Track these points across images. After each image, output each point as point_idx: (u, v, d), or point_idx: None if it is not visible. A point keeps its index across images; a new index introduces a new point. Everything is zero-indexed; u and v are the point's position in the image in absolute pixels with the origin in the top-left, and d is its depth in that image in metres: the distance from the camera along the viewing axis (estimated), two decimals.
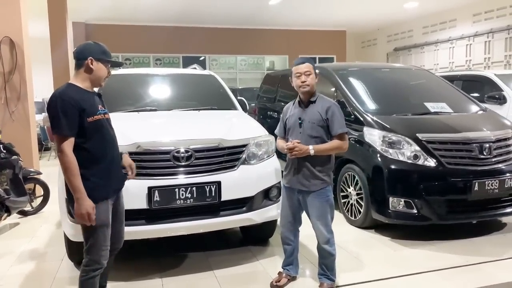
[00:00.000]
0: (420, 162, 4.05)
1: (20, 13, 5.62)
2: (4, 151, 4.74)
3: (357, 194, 4.49)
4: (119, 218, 2.68)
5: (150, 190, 3.14)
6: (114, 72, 4.94)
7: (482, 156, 4.10)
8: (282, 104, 3.32)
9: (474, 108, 5.14)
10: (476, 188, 3.96)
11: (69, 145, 2.32)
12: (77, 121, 2.34)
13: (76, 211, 2.33)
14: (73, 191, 2.32)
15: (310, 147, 2.94)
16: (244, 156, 3.52)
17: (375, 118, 4.48)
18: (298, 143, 2.95)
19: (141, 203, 3.15)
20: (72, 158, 2.31)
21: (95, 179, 2.40)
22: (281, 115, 3.30)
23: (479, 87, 7.19)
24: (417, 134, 4.16)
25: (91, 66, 2.45)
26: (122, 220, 2.73)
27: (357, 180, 4.47)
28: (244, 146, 3.55)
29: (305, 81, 3.03)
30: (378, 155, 4.22)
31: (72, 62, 2.67)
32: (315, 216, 3.03)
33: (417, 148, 4.09)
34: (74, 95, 2.37)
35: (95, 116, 2.43)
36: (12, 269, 3.66)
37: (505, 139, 4.34)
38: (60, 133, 2.31)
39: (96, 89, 2.66)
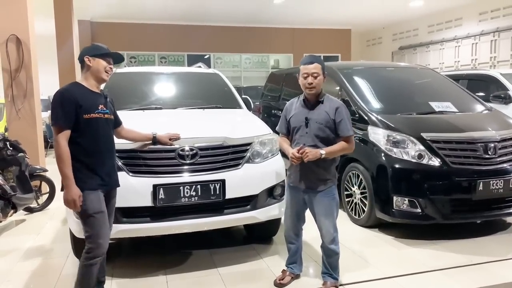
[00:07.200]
0: (424, 161, 4.04)
1: (26, 11, 5.65)
2: (11, 148, 4.77)
3: (361, 193, 4.48)
4: (109, 210, 2.77)
5: (155, 188, 3.16)
6: (119, 70, 4.98)
7: (487, 156, 4.09)
8: (287, 103, 3.28)
9: (479, 107, 5.12)
10: (480, 188, 3.95)
11: (63, 136, 2.50)
12: (73, 115, 2.51)
13: (64, 197, 2.53)
14: (63, 178, 2.52)
15: (321, 150, 2.89)
16: (248, 154, 3.53)
17: (379, 117, 4.48)
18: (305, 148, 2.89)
19: (146, 201, 3.17)
20: (65, 148, 2.50)
21: (83, 171, 2.57)
22: (283, 112, 3.22)
23: (484, 86, 7.17)
24: (421, 134, 4.15)
25: (88, 63, 2.64)
26: (111, 212, 2.82)
27: (361, 179, 4.47)
28: (248, 144, 3.56)
29: (311, 83, 2.96)
30: (383, 154, 4.22)
31: (77, 60, 2.78)
32: (323, 214, 3.01)
33: (422, 147, 4.08)
34: (74, 92, 2.57)
35: (91, 114, 2.59)
36: (19, 266, 3.70)
37: (510, 139, 4.32)
38: (56, 124, 2.51)
39: (102, 89, 2.80)
